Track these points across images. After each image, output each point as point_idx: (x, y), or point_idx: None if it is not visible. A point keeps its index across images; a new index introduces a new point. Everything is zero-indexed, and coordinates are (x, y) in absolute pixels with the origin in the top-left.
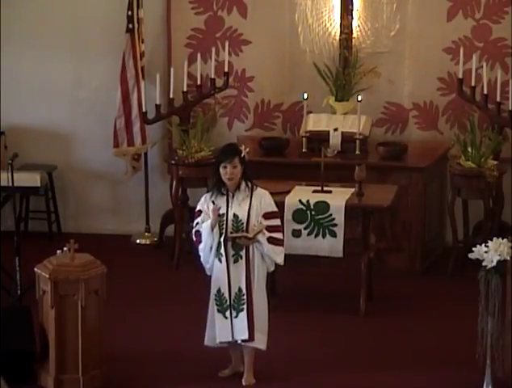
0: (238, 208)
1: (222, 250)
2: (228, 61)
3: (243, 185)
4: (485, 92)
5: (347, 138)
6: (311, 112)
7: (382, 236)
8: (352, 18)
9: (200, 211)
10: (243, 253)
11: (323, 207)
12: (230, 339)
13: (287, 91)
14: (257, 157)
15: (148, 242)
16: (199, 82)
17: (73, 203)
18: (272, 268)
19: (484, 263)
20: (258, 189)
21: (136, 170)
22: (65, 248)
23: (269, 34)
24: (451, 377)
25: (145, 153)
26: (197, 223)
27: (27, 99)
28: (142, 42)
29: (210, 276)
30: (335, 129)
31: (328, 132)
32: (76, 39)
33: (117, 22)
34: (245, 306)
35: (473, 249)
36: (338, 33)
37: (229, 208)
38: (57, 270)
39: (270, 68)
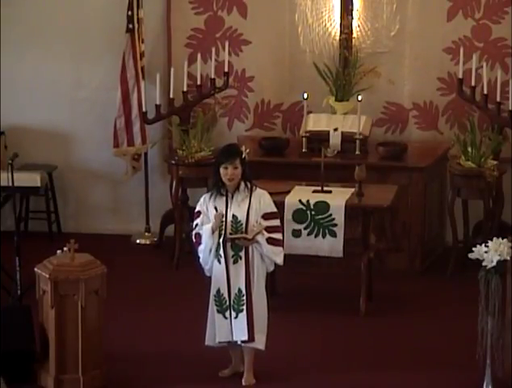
0: (237, 208)
1: (221, 251)
2: (228, 61)
3: (242, 186)
4: (485, 92)
5: (347, 138)
6: (311, 112)
7: (382, 236)
8: (352, 18)
9: (199, 212)
10: (242, 254)
11: (323, 207)
12: (230, 340)
13: (287, 91)
14: (257, 157)
15: (148, 242)
16: (199, 82)
17: (73, 203)
18: (272, 269)
19: (484, 263)
20: (258, 190)
21: (136, 170)
22: (65, 248)
23: (269, 34)
24: (451, 376)
25: (145, 153)
26: (196, 224)
27: (27, 99)
28: (142, 42)
29: (210, 277)
30: (335, 129)
31: (328, 132)
32: (76, 39)
33: (117, 22)
34: (244, 307)
35: (473, 249)
36: (338, 33)
37: (228, 209)
38: (57, 270)
39: (270, 68)
